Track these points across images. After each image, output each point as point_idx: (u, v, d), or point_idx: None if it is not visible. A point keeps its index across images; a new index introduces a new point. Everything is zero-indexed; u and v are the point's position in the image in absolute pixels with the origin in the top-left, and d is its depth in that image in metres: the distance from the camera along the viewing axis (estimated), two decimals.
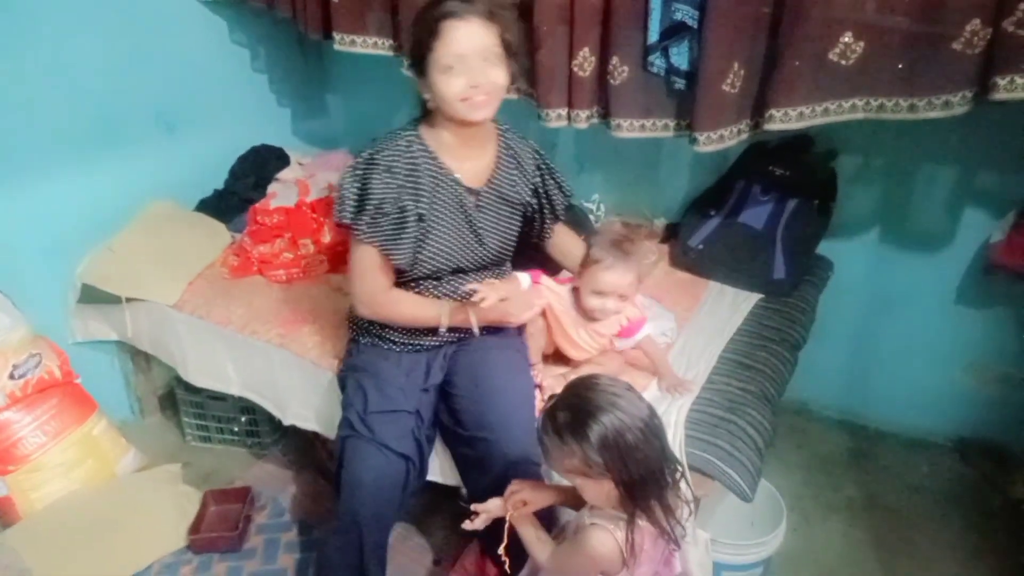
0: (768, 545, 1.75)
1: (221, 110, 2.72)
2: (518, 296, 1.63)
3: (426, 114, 1.66)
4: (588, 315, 1.68)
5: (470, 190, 1.68)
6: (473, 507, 1.38)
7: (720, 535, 1.67)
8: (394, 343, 1.75)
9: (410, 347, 1.75)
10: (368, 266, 1.64)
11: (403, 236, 1.60)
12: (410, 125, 1.68)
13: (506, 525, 1.35)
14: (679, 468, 1.22)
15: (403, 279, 1.71)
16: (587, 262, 1.64)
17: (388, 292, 1.68)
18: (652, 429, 1.14)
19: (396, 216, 1.59)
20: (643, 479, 1.13)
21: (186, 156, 2.61)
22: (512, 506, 1.36)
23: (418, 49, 1.52)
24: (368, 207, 1.58)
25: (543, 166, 1.80)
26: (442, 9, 1.49)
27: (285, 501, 2.21)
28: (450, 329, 1.72)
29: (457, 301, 1.71)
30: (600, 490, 1.15)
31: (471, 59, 1.50)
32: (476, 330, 1.66)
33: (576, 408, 1.14)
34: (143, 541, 2.02)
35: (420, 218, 1.62)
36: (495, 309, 1.59)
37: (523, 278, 1.71)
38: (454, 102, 1.53)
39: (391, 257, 1.62)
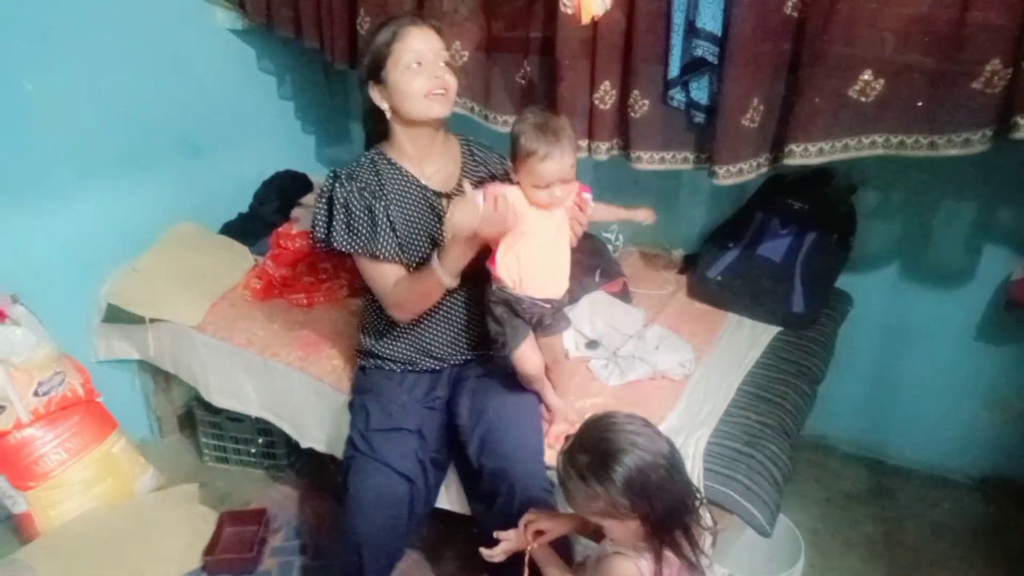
0: None
1: (247, 135, 2.78)
2: (485, 214, 1.46)
3: (380, 135, 1.73)
4: (540, 207, 1.52)
5: (438, 193, 1.71)
6: (496, 534, 1.38)
7: (738, 570, 1.66)
8: (396, 362, 1.78)
9: (411, 368, 1.78)
10: (372, 269, 1.67)
11: (380, 232, 1.63)
12: (373, 148, 1.75)
13: (526, 558, 1.34)
14: (699, 497, 1.22)
15: None
16: (520, 156, 1.47)
17: (398, 285, 1.66)
18: (674, 464, 1.15)
19: (366, 217, 1.63)
20: (668, 514, 1.13)
21: (211, 180, 2.66)
22: (530, 536, 1.36)
23: (378, 55, 1.61)
24: (338, 216, 1.63)
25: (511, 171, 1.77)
26: (400, 20, 1.64)
27: (300, 524, 2.21)
28: (459, 358, 1.76)
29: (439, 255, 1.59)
30: (626, 529, 1.15)
31: (430, 58, 1.60)
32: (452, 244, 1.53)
33: (597, 450, 1.14)
34: (159, 561, 2.02)
35: (392, 226, 1.65)
36: (463, 237, 1.48)
37: (475, 194, 1.51)
38: (418, 98, 1.60)
39: (378, 254, 1.63)
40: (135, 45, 2.34)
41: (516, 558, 1.37)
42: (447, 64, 1.64)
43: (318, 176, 2.86)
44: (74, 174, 2.25)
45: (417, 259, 1.68)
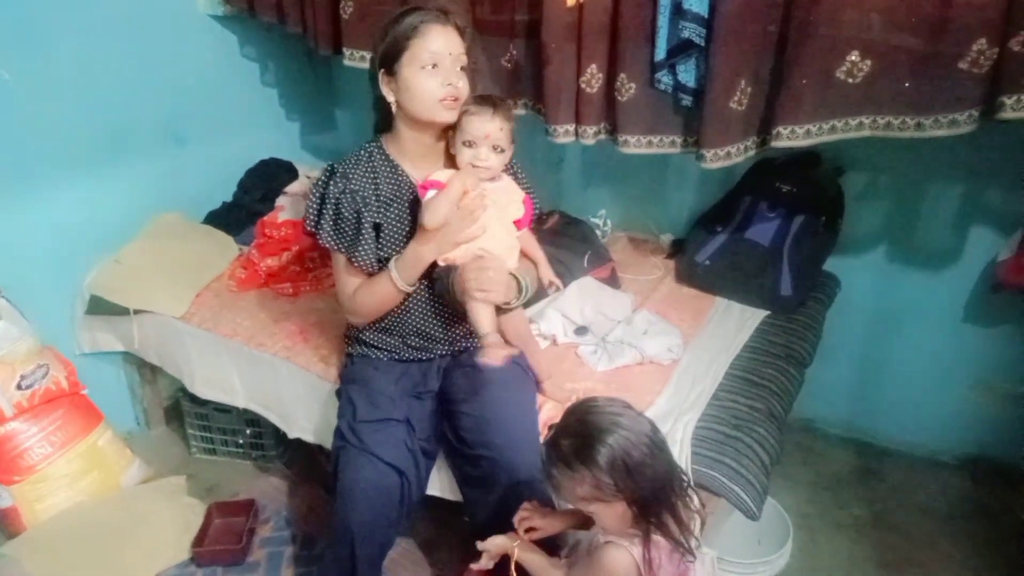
0: (774, 563, 1.75)
1: (230, 123, 2.75)
2: (455, 209, 1.55)
3: (385, 126, 1.68)
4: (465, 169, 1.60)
5: None
6: (479, 545, 1.39)
7: (726, 553, 1.67)
8: (382, 351, 1.76)
9: (397, 357, 1.76)
10: (341, 270, 1.68)
11: (362, 240, 1.62)
12: (373, 138, 1.70)
13: (512, 561, 1.34)
14: (686, 479, 1.22)
15: None
16: (457, 122, 1.58)
17: (357, 292, 1.68)
18: (657, 443, 1.15)
19: (353, 221, 1.61)
20: (654, 494, 1.13)
21: (195, 168, 2.63)
22: (521, 531, 1.36)
23: (395, 46, 1.55)
24: (327, 213, 1.62)
25: (509, 173, 1.75)
26: (423, 13, 1.56)
27: (289, 514, 2.21)
28: (447, 347, 1.74)
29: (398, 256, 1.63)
30: (614, 513, 1.15)
31: (447, 61, 1.54)
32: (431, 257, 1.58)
33: (580, 434, 1.14)
34: (147, 553, 2.01)
35: (377, 227, 1.63)
36: (438, 234, 1.55)
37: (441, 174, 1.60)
38: (430, 101, 1.54)
39: (354, 260, 1.63)
40: (115, 33, 2.30)
41: (505, 558, 1.37)
42: (463, 69, 1.57)
43: (303, 164, 2.84)
44: (55, 164, 2.21)
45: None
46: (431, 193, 1.56)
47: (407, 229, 1.65)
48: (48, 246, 2.25)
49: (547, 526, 1.38)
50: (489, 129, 1.55)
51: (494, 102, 1.57)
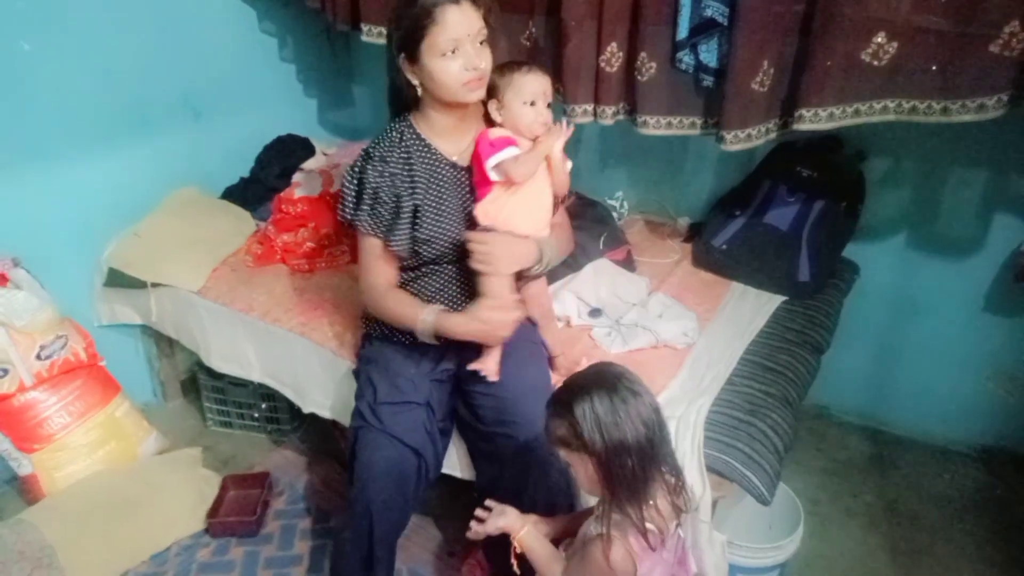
0: (785, 549, 1.74)
1: (248, 99, 2.75)
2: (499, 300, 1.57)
3: (408, 104, 1.65)
4: (528, 133, 1.58)
5: (468, 169, 1.67)
6: (474, 525, 1.40)
7: (737, 538, 1.66)
8: (405, 334, 1.75)
9: (417, 344, 1.75)
10: (372, 257, 1.67)
11: (399, 224, 1.61)
12: (401, 117, 1.68)
13: (512, 548, 1.35)
14: (676, 473, 1.22)
15: (409, 267, 1.70)
16: (503, 82, 1.57)
17: (388, 288, 1.68)
18: (646, 421, 1.15)
19: (392, 205, 1.61)
20: (620, 461, 1.13)
21: (213, 144, 2.64)
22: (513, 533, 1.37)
23: (412, 33, 1.52)
24: (366, 198, 1.61)
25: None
26: None
27: (303, 488, 2.23)
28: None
29: (445, 310, 1.65)
30: (583, 468, 1.18)
31: (466, 43, 1.51)
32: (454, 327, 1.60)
33: (576, 385, 1.19)
34: (162, 523, 2.05)
35: (415, 209, 1.62)
36: (473, 324, 1.56)
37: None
38: (455, 86, 1.53)
39: (391, 245, 1.62)
40: (135, 5, 2.30)
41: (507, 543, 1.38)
42: (484, 42, 1.53)
43: (320, 141, 2.83)
44: (75, 137, 2.23)
45: (447, 240, 1.64)
46: (511, 150, 1.54)
47: (442, 207, 1.64)
48: (67, 218, 2.27)
49: (548, 530, 1.40)
50: (546, 84, 1.57)
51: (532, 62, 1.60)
